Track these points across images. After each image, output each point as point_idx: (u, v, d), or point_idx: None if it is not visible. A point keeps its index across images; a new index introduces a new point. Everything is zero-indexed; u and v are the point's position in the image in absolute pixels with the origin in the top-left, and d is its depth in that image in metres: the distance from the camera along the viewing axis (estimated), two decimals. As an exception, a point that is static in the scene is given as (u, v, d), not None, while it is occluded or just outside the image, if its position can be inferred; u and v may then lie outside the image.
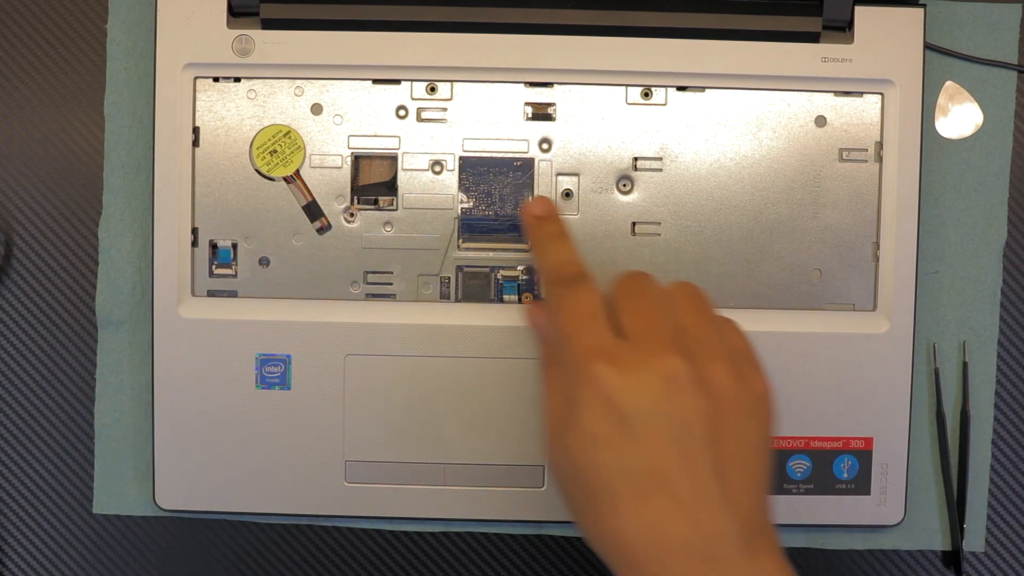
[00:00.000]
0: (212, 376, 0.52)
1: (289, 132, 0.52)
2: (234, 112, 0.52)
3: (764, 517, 0.42)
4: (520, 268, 0.53)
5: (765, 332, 0.53)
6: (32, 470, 0.56)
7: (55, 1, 0.55)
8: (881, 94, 0.53)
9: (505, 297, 0.53)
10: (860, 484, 0.54)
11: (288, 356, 0.53)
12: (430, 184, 0.53)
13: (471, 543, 0.56)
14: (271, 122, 0.52)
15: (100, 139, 0.55)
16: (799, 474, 0.53)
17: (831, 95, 0.53)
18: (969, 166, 0.55)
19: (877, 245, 0.53)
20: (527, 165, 0.53)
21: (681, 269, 0.53)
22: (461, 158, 0.53)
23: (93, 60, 0.55)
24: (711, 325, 0.44)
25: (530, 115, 0.53)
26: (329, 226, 0.53)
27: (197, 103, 0.52)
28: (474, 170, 0.53)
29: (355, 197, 0.53)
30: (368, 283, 0.53)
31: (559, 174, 0.53)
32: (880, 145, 0.53)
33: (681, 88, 0.53)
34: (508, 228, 0.53)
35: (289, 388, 0.53)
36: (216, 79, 0.52)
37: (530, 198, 0.52)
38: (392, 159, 0.53)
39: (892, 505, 0.54)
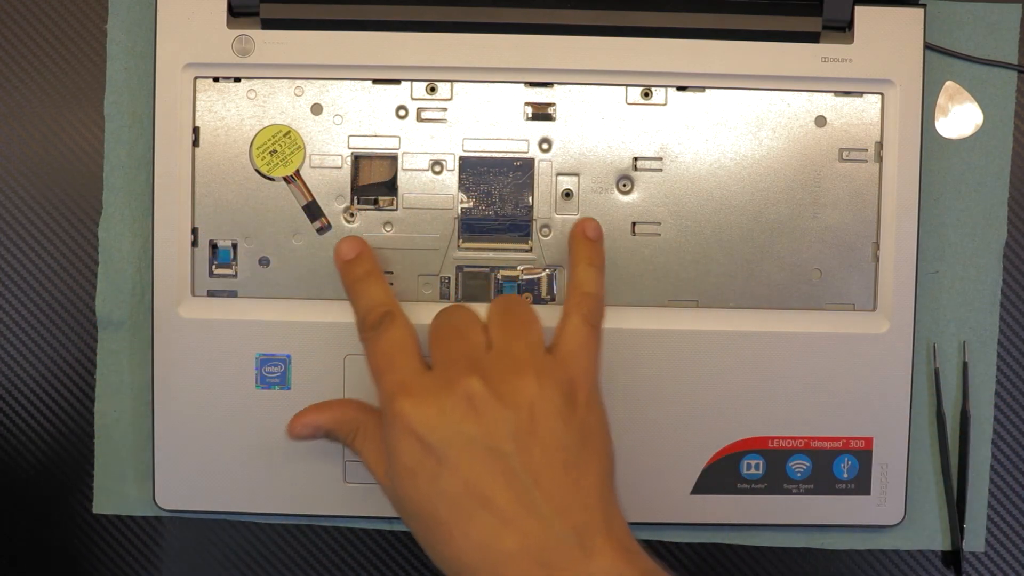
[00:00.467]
0: (212, 376, 0.52)
1: (289, 132, 0.52)
2: (234, 112, 0.52)
3: (601, 514, 0.42)
4: (520, 268, 0.53)
5: (765, 332, 0.53)
6: (32, 470, 0.56)
7: (55, 1, 0.55)
8: (881, 94, 0.53)
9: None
10: (860, 484, 0.54)
11: (288, 356, 0.53)
12: (430, 184, 0.53)
13: (471, 543, 0.56)
14: (271, 122, 0.52)
15: (100, 139, 0.55)
16: (799, 474, 0.53)
17: (831, 95, 0.53)
18: (969, 166, 0.55)
19: (877, 245, 0.53)
20: (527, 165, 0.53)
21: (681, 269, 0.53)
22: (461, 158, 0.53)
23: (93, 60, 0.55)
24: (520, 339, 0.45)
25: (530, 115, 0.53)
26: (329, 226, 0.53)
27: (197, 103, 0.52)
28: (474, 170, 0.53)
29: (355, 197, 0.53)
30: (368, 283, 0.53)
31: (559, 174, 0.53)
32: (880, 145, 0.53)
33: (681, 88, 0.53)
34: (508, 228, 0.53)
35: (289, 388, 0.53)
36: (216, 79, 0.52)
37: (344, 244, 0.51)
38: (392, 159, 0.53)
39: (892, 505, 0.54)
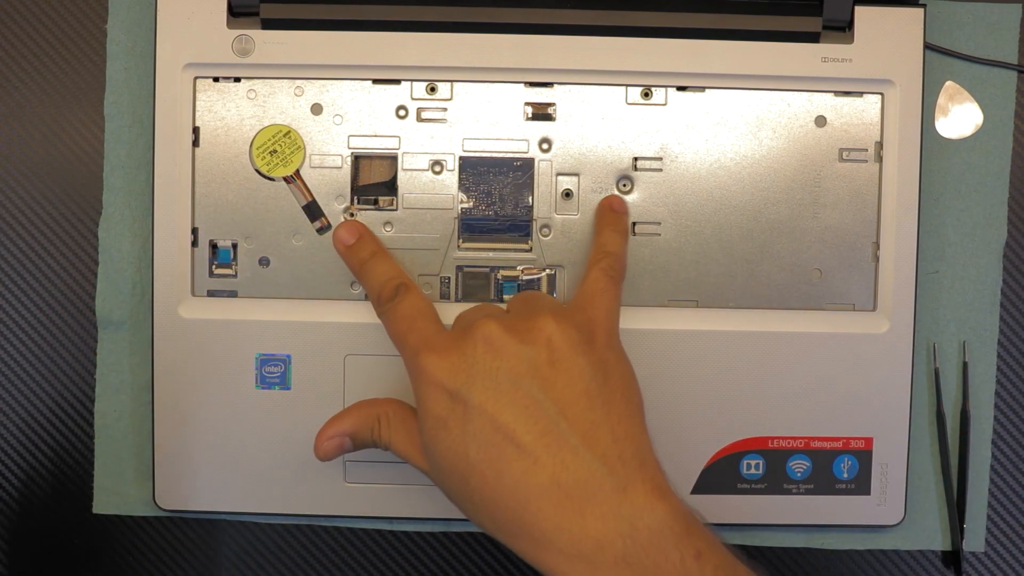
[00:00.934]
0: (212, 376, 0.52)
1: (289, 132, 0.52)
2: (234, 112, 0.52)
3: (632, 447, 0.42)
4: (520, 268, 0.53)
5: (765, 332, 0.53)
6: (32, 470, 0.56)
7: (55, 1, 0.55)
8: (881, 94, 0.53)
9: (505, 297, 0.53)
10: (860, 484, 0.54)
11: (288, 356, 0.53)
12: (430, 184, 0.53)
13: (471, 543, 0.56)
14: (271, 122, 0.52)
15: (100, 139, 0.55)
16: (799, 474, 0.53)
17: (831, 95, 0.53)
18: (969, 166, 0.55)
19: (877, 245, 0.53)
20: (527, 165, 0.53)
21: (681, 269, 0.53)
22: (461, 158, 0.53)
23: (93, 60, 0.55)
24: (537, 299, 0.48)
25: (530, 115, 0.53)
26: (329, 226, 0.53)
27: (197, 103, 0.52)
28: (474, 170, 0.53)
29: (355, 197, 0.53)
30: (368, 283, 0.53)
31: (559, 174, 0.53)
32: (880, 145, 0.53)
33: (681, 88, 0.53)
34: (508, 228, 0.53)
35: (289, 388, 0.53)
36: (216, 79, 0.52)
37: (344, 229, 0.52)
38: (392, 159, 0.53)
39: (892, 505, 0.54)
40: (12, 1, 0.55)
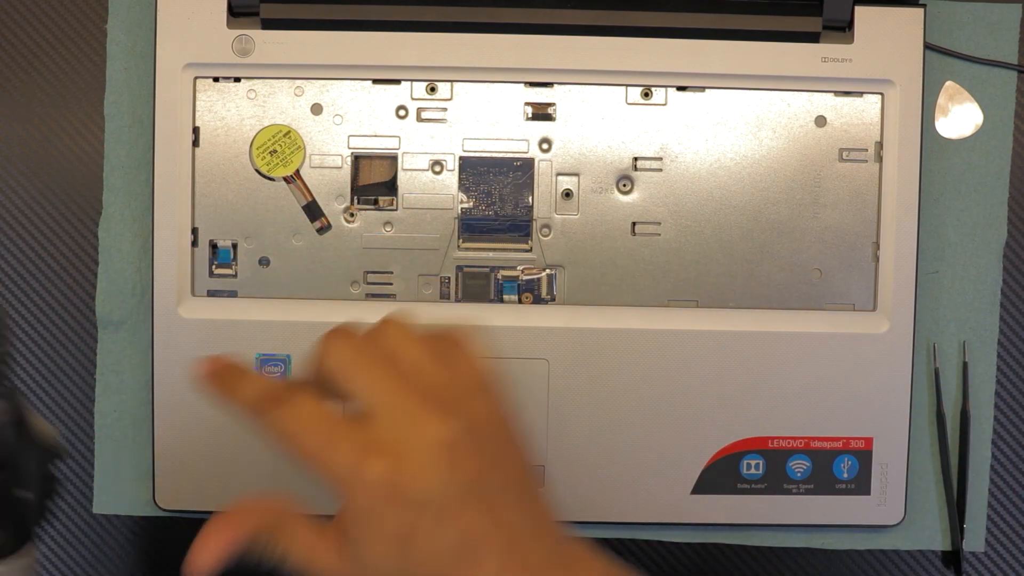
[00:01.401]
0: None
1: (289, 132, 0.52)
2: (234, 112, 0.52)
3: (560, 528, 0.38)
4: (520, 268, 0.53)
5: (765, 332, 0.53)
6: (32, 470, 0.56)
7: (55, 1, 0.55)
8: (881, 94, 0.53)
9: (505, 297, 0.53)
10: (860, 484, 0.53)
11: (288, 356, 0.53)
12: (430, 184, 0.53)
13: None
14: (271, 122, 0.52)
15: (100, 139, 0.55)
16: (799, 474, 0.53)
17: (831, 95, 0.53)
18: (969, 166, 0.55)
19: (877, 245, 0.53)
20: (527, 165, 0.53)
21: (681, 269, 0.53)
22: (461, 158, 0.53)
23: (93, 60, 0.55)
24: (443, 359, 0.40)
25: (530, 115, 0.53)
26: (329, 226, 0.53)
27: (197, 103, 0.52)
28: (474, 170, 0.53)
29: (355, 197, 0.53)
30: (368, 283, 0.53)
31: (559, 174, 0.53)
32: (880, 145, 0.53)
33: (681, 88, 0.53)
34: (508, 228, 0.53)
35: (289, 388, 0.53)
36: (216, 79, 0.52)
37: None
38: (392, 159, 0.53)
39: (892, 505, 0.54)
40: (12, 1, 0.55)
